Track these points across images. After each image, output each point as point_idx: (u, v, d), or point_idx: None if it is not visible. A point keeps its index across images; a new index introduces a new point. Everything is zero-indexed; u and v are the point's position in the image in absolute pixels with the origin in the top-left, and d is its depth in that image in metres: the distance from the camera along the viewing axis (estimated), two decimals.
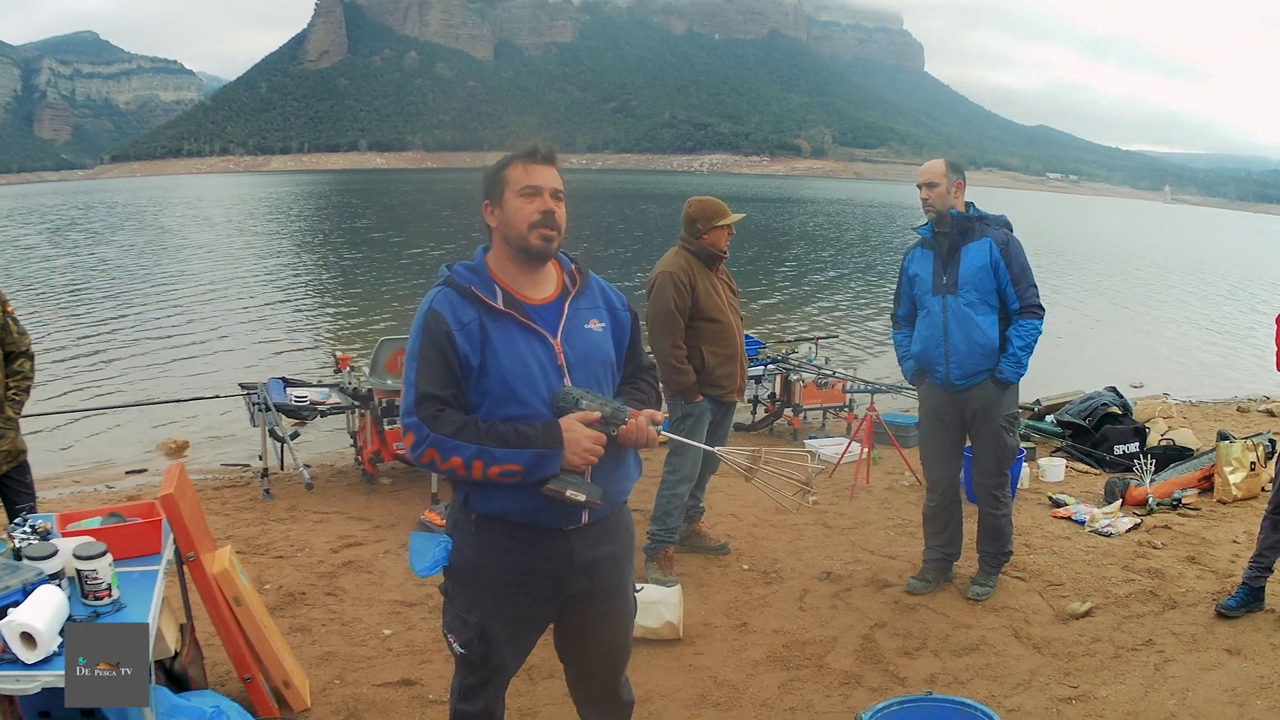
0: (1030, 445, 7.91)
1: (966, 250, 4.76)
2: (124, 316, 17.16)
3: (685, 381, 5.08)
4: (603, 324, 2.69)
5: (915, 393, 9.05)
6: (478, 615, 2.66)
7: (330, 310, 18.68)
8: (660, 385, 3.09)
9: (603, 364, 2.67)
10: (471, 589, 2.67)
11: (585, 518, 2.61)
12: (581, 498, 2.50)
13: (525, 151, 2.58)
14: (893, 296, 5.31)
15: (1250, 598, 4.81)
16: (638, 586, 3.12)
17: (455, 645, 2.71)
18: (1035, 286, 4.81)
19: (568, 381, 2.55)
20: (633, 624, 2.94)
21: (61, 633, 2.62)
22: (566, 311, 2.62)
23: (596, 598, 2.74)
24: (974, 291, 4.73)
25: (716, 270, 5.29)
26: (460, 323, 2.49)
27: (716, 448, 3.00)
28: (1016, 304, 4.77)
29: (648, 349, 5.03)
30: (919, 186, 4.82)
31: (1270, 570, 4.78)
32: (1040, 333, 4.79)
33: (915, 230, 5.03)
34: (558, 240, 2.57)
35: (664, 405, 5.11)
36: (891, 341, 5.46)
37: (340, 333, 16.12)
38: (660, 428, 2.65)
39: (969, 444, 5.14)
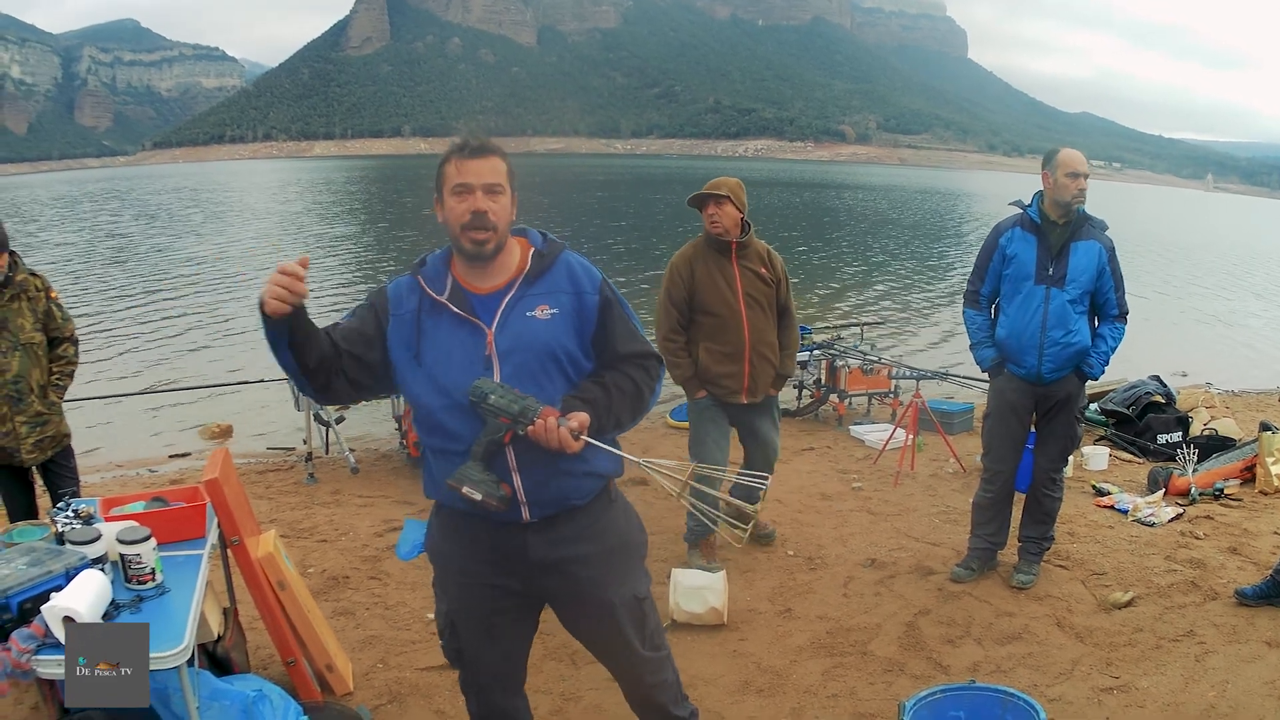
0: None
1: (1076, 247, 4.65)
2: (173, 300, 17.31)
3: (681, 375, 4.97)
4: (553, 310, 2.48)
5: (959, 380, 9.01)
6: (446, 604, 2.66)
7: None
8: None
9: (542, 353, 2.46)
10: (441, 576, 2.67)
11: (526, 515, 2.48)
12: (477, 496, 2.34)
13: (455, 146, 2.45)
14: (973, 272, 5.01)
15: (1272, 591, 4.68)
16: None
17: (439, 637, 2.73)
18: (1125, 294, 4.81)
19: (496, 371, 2.42)
20: (639, 631, 2.69)
21: (104, 618, 2.62)
22: (506, 301, 2.47)
23: (574, 600, 2.65)
24: (1078, 289, 4.64)
25: (733, 257, 4.96)
26: (398, 310, 2.51)
27: (641, 459, 2.59)
28: (1115, 310, 4.74)
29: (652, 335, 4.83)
30: (1074, 176, 4.58)
31: None
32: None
33: (1021, 208, 4.81)
34: (493, 240, 2.41)
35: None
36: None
37: None
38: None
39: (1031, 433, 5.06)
